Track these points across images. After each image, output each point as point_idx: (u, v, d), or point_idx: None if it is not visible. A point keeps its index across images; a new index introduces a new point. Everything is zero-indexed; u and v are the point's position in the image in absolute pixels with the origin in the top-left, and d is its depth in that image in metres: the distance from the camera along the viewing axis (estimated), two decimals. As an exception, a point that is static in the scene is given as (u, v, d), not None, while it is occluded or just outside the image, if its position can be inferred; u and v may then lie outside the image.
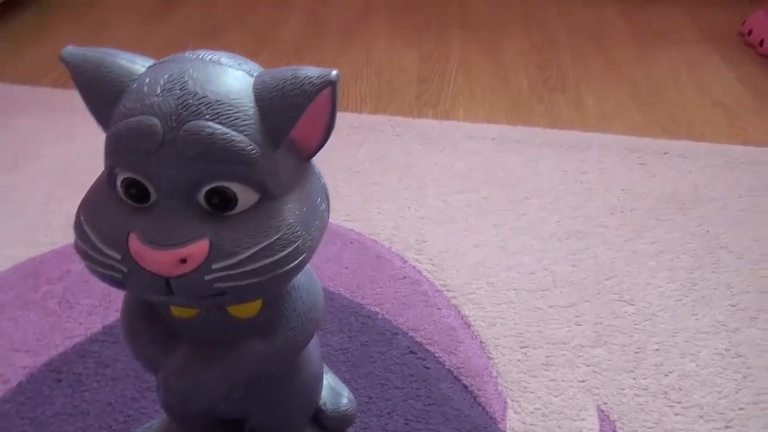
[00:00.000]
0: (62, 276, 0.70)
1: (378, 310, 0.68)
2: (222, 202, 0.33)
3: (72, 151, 0.90)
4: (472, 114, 1.06)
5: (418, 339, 0.65)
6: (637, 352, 0.65)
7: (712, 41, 1.37)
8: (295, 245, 0.34)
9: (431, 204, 0.84)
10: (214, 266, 0.33)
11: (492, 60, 1.25)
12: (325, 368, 0.55)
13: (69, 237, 0.76)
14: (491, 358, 0.63)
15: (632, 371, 0.63)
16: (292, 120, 0.34)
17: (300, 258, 0.35)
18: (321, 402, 0.52)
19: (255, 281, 0.33)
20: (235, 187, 0.33)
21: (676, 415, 0.59)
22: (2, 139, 0.92)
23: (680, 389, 0.61)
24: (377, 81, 1.15)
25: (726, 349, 0.65)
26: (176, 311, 0.40)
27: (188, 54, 0.35)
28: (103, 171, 0.36)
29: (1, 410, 0.56)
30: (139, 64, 0.35)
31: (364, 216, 0.81)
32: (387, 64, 1.21)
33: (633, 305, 0.70)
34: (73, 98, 1.03)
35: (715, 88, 1.18)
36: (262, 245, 0.33)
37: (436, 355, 0.63)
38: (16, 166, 0.87)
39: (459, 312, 0.68)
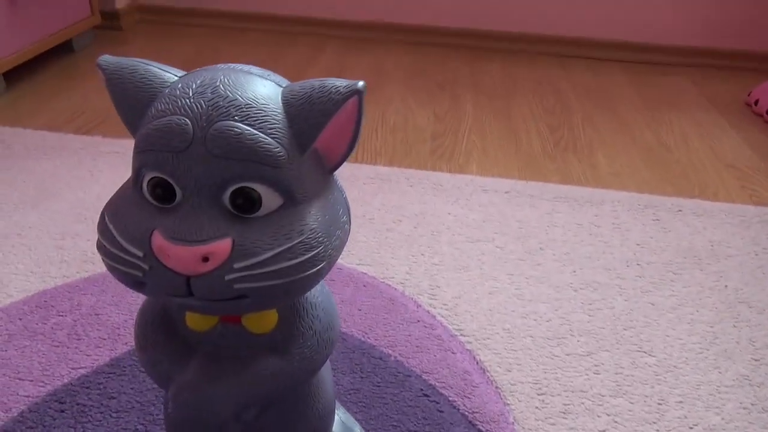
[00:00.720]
0: (73, 309, 0.69)
1: (390, 352, 0.66)
2: (246, 203, 0.33)
3: (91, 191, 0.92)
4: (485, 169, 1.07)
5: (432, 382, 0.63)
6: (659, 404, 0.62)
7: (720, 109, 1.39)
8: (316, 251, 0.34)
9: (445, 251, 0.83)
10: (235, 266, 0.32)
11: (504, 121, 1.28)
12: (337, 404, 0.53)
13: (82, 272, 0.75)
14: (507, 404, 0.61)
15: (655, 423, 0.60)
16: (319, 126, 0.34)
17: (320, 265, 0.35)
18: (332, 438, 0.50)
19: (275, 284, 0.33)
20: (260, 189, 0.33)
21: (703, 468, 0.56)
22: (22, 180, 0.94)
23: (706, 442, 0.58)
24: (392, 137, 1.17)
25: (752, 404, 0.63)
26: (191, 323, 0.40)
27: (220, 65, 0.36)
28: (131, 176, 0.36)
29: (-1, 439, 0.54)
30: (171, 73, 0.36)
31: (378, 261, 0.80)
32: (402, 122, 1.24)
33: (653, 356, 0.68)
34: (95, 143, 1.05)
35: (726, 152, 1.19)
36: (283, 247, 0.33)
37: (450, 399, 0.61)
38: (35, 204, 0.88)
39: (474, 357, 0.66)
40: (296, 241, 0.33)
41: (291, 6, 1.74)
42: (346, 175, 0.98)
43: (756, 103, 1.39)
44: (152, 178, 0.34)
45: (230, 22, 1.76)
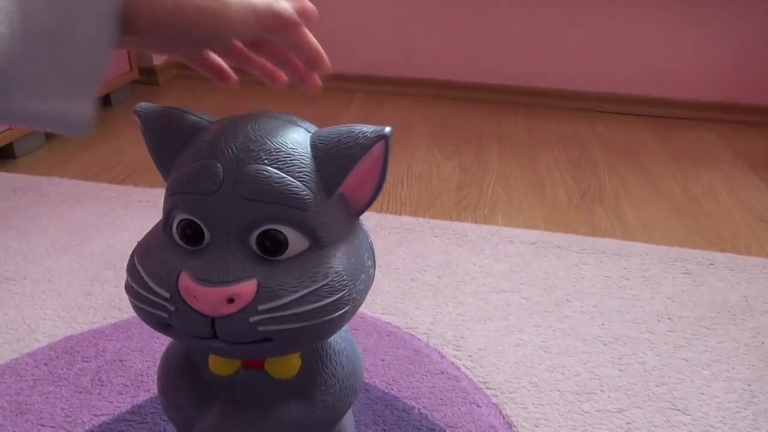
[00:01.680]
0: (98, 354, 0.70)
1: (414, 404, 0.65)
2: (273, 245, 0.34)
3: (122, 239, 0.93)
4: (510, 220, 1.07)
5: (457, 437, 0.61)
6: (696, 465, 0.59)
7: (749, 164, 1.38)
8: (341, 294, 0.34)
9: (470, 302, 0.82)
10: (260, 308, 0.32)
11: (529, 172, 1.28)
12: (359, 457, 0.52)
13: (109, 317, 0.76)
14: (535, 462, 0.59)
15: (692, 485, 0.57)
16: (346, 170, 0.35)
17: (345, 308, 0.34)
18: (353, 491, 0.48)
19: (299, 326, 0.33)
20: (287, 231, 0.34)
21: None
22: (55, 227, 0.96)
23: (748, 508, 0.55)
24: (417, 187, 1.18)
25: (796, 467, 0.59)
26: (214, 368, 0.39)
27: (251, 111, 0.38)
28: (161, 219, 0.37)
29: (18, 486, 0.54)
30: (205, 120, 0.37)
31: (402, 310, 0.80)
32: (427, 173, 1.25)
33: (688, 414, 0.65)
34: (127, 192, 1.08)
35: (757, 206, 1.17)
36: (308, 290, 0.33)
37: (476, 454, 0.59)
38: (67, 250, 0.90)
39: (500, 411, 0.65)
40: (321, 284, 0.33)
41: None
42: (371, 225, 0.99)
43: (786, 156, 1.37)
44: (182, 220, 0.34)
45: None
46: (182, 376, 0.40)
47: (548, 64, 1.69)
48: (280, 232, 0.33)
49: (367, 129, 0.35)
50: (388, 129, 0.35)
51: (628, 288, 0.87)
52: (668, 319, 0.81)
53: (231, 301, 0.32)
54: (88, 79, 0.29)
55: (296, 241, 0.34)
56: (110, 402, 0.63)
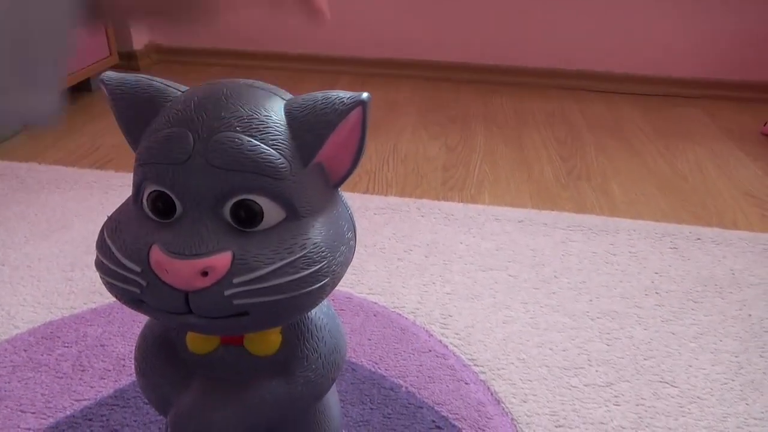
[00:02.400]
0: (78, 339, 0.68)
1: (402, 382, 0.64)
2: (248, 216, 0.32)
3: (101, 223, 0.91)
4: (497, 199, 1.06)
5: (445, 414, 0.60)
6: (684, 436, 0.59)
7: (735, 139, 1.38)
8: (319, 266, 0.33)
9: (457, 280, 0.81)
10: (235, 280, 0.31)
11: (516, 151, 1.27)
12: (345, 435, 0.51)
13: (90, 303, 0.75)
14: (524, 437, 0.58)
15: (680, 456, 0.57)
16: (322, 137, 0.34)
17: (324, 281, 0.33)
18: (339, 470, 0.47)
19: (276, 299, 0.32)
20: (262, 202, 0.32)
21: (734, 505, 0.52)
22: (34, 213, 0.94)
23: (736, 477, 0.55)
24: (403, 168, 1.17)
25: (783, 436, 0.59)
26: (192, 345, 0.38)
27: (224, 79, 0.36)
28: (131, 195, 0.36)
29: (-3, 473, 0.53)
30: (173, 88, 0.36)
31: (388, 290, 0.79)
32: (413, 153, 1.24)
33: (676, 387, 0.65)
34: (107, 177, 1.06)
35: (743, 181, 1.17)
36: (285, 261, 0.32)
37: (464, 431, 0.59)
38: (46, 236, 0.88)
39: (488, 387, 0.64)
40: (298, 256, 0.32)
41: (302, 45, 1.77)
42: (357, 205, 0.98)
43: (772, 132, 1.37)
44: (152, 192, 0.33)
45: (242, 60, 1.79)
46: (159, 355, 0.39)
47: (534, 43, 1.68)
48: (255, 202, 0.32)
49: (344, 95, 0.34)
50: (365, 95, 0.34)
51: (616, 264, 0.87)
52: (656, 293, 0.80)
53: (205, 274, 0.31)
54: (51, 70, 0.27)
55: (272, 212, 0.33)
56: (92, 387, 0.62)
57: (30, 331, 0.69)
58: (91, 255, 0.84)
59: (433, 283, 0.81)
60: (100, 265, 0.34)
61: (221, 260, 0.31)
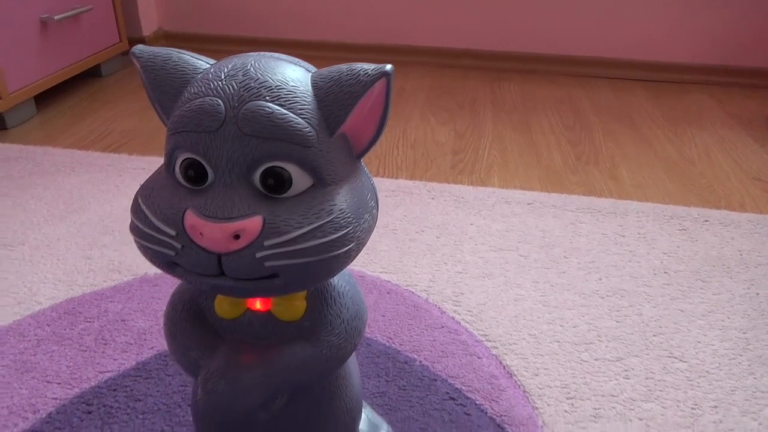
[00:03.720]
0: (100, 315, 0.70)
1: (416, 356, 0.66)
2: (277, 183, 0.34)
3: (118, 205, 0.93)
4: (506, 182, 1.07)
5: (458, 386, 0.62)
6: (693, 408, 0.60)
7: (743, 125, 1.38)
8: (345, 230, 0.34)
9: (468, 260, 0.83)
10: (266, 243, 0.33)
11: (524, 136, 1.28)
12: (363, 404, 0.52)
13: (109, 280, 0.76)
14: (536, 408, 0.60)
15: (690, 427, 0.58)
16: (348, 108, 0.35)
17: (349, 245, 0.35)
18: (359, 435, 0.49)
19: (305, 262, 0.33)
20: (290, 169, 0.34)
21: (742, 473, 0.54)
22: (51, 195, 0.96)
23: (744, 447, 0.56)
24: (413, 152, 1.18)
25: (790, 409, 0.61)
26: (220, 311, 0.40)
27: (251, 53, 0.37)
28: (163, 162, 0.37)
29: (27, 439, 0.54)
30: (203, 61, 0.37)
31: (401, 269, 0.80)
32: (422, 138, 1.25)
33: (685, 362, 0.67)
34: (121, 161, 1.07)
35: (751, 165, 1.18)
36: (313, 225, 0.33)
37: (477, 402, 0.60)
38: (63, 217, 0.90)
39: (500, 362, 0.66)
40: (326, 220, 0.34)
41: (311, 31, 1.77)
42: (368, 188, 0.99)
43: (779, 117, 1.37)
44: (185, 160, 0.34)
45: (250, 47, 1.79)
46: (188, 320, 0.41)
47: (541, 30, 1.68)
48: (284, 169, 0.33)
49: (368, 67, 0.35)
50: (389, 66, 0.35)
51: (625, 244, 0.88)
52: (664, 273, 0.82)
53: (237, 237, 0.32)
54: None
55: (300, 179, 0.34)
56: (114, 359, 0.64)
57: (52, 307, 0.71)
58: (108, 235, 0.86)
59: (445, 262, 0.82)
60: (135, 230, 0.35)
61: (253, 223, 0.32)
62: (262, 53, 0.37)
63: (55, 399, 0.59)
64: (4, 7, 1.16)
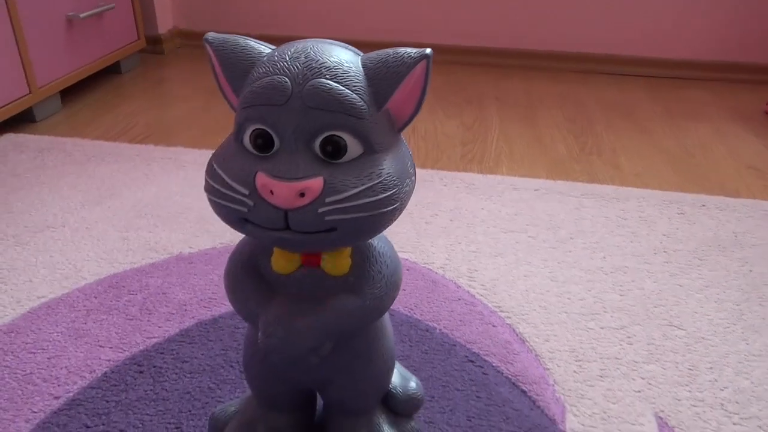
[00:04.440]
0: (142, 288, 0.76)
1: (436, 325, 0.71)
2: (334, 150, 0.39)
3: (149, 192, 0.99)
4: (514, 171, 1.13)
5: (476, 350, 0.68)
6: (690, 369, 0.66)
7: (739, 118, 1.44)
8: (392, 191, 0.40)
9: (481, 240, 0.88)
10: (327, 200, 0.38)
11: (530, 129, 1.34)
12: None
13: (147, 258, 0.82)
14: (547, 369, 0.66)
15: (687, 385, 0.64)
16: (394, 85, 0.40)
17: (395, 204, 0.40)
18: (391, 386, 0.54)
19: (359, 216, 0.39)
20: (346, 137, 0.39)
21: (734, 424, 0.60)
22: (84, 183, 1.01)
23: (737, 402, 0.62)
24: (423, 144, 1.24)
25: (779, 370, 0.66)
26: (276, 266, 0.45)
27: (306, 39, 0.43)
28: (230, 135, 0.43)
29: (88, 395, 0.60)
30: (264, 46, 0.43)
31: (418, 248, 0.86)
32: (432, 131, 1.31)
33: (683, 330, 0.72)
34: (148, 151, 1.13)
35: (746, 156, 1.23)
36: (366, 186, 0.39)
37: (494, 364, 0.66)
38: (99, 203, 0.95)
39: (513, 330, 0.71)
40: (376, 182, 0.39)
41: (321, 29, 1.83)
42: (384, 176, 1.04)
43: (774, 111, 1.43)
44: (254, 130, 0.40)
45: (269, 42, 1.85)
46: (248, 275, 0.46)
47: (544, 27, 1.74)
48: (341, 137, 0.39)
49: (411, 50, 0.40)
50: (429, 50, 0.40)
51: (626, 227, 0.93)
52: (664, 252, 0.87)
53: (302, 195, 0.38)
54: None
55: (353, 147, 0.40)
56: (159, 327, 0.69)
57: (97, 282, 0.77)
58: (143, 218, 0.91)
59: (459, 243, 0.88)
60: (211, 190, 0.40)
61: (316, 183, 0.38)
62: (317, 39, 0.42)
63: (109, 361, 0.64)
64: (33, 5, 1.22)
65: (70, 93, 1.43)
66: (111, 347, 0.66)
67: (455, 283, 0.79)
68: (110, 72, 1.60)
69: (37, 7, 1.23)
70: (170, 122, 1.31)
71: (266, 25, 1.85)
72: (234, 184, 0.39)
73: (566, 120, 1.40)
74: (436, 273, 0.81)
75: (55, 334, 0.68)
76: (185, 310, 0.72)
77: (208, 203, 0.95)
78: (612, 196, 1.02)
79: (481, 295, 0.77)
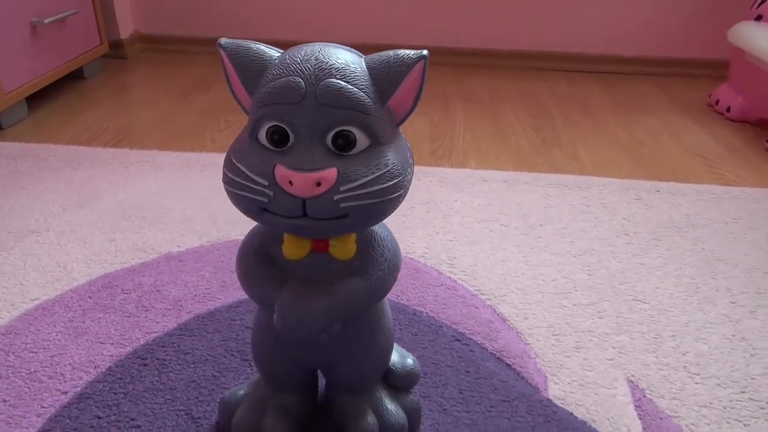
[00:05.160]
0: (135, 287, 0.78)
1: (422, 309, 0.76)
2: (345, 143, 0.43)
3: (129, 194, 1.00)
4: (482, 164, 1.19)
5: (461, 330, 0.72)
6: (655, 338, 0.73)
7: (685, 110, 1.54)
8: (398, 179, 0.44)
9: (457, 230, 0.94)
10: (341, 188, 0.42)
11: (493, 124, 1.40)
12: (389, 341, 0.62)
13: (137, 258, 0.84)
14: (528, 344, 0.71)
15: (654, 352, 0.70)
16: (396, 84, 0.45)
17: (400, 191, 0.45)
18: (390, 363, 0.59)
19: (370, 203, 0.43)
20: (355, 131, 0.43)
21: (697, 384, 0.66)
22: (64, 187, 1.02)
23: (698, 364, 0.69)
24: (394, 141, 1.28)
25: (732, 335, 0.74)
26: (287, 253, 0.49)
27: (312, 43, 0.47)
28: (242, 132, 0.46)
29: (95, 388, 0.62)
30: (274, 50, 0.46)
31: (399, 239, 0.90)
32: (401, 128, 1.35)
33: (647, 303, 0.79)
34: (124, 154, 1.14)
35: (693, 144, 1.32)
36: (375, 174, 0.43)
37: (479, 342, 0.71)
38: (81, 206, 0.96)
39: (494, 310, 0.76)
40: (384, 171, 0.43)
41: (289, 32, 1.86)
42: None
43: (717, 103, 1.54)
44: (270, 127, 0.43)
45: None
46: (260, 262, 0.49)
47: (502, 27, 1.81)
48: (351, 132, 0.43)
49: (410, 52, 0.45)
50: (425, 51, 0.45)
51: (590, 213, 1.00)
52: (626, 234, 0.94)
53: (318, 184, 0.42)
54: None
55: (361, 140, 0.44)
56: (157, 322, 0.72)
57: (89, 282, 0.78)
58: (127, 220, 0.93)
59: (437, 233, 0.93)
60: (230, 182, 0.44)
61: (331, 173, 0.42)
62: (322, 43, 0.46)
63: (111, 356, 0.66)
64: (-2, 12, 1.21)
65: (36, 99, 1.42)
66: (112, 343, 0.68)
67: (437, 270, 0.84)
68: (74, 78, 1.58)
69: (1, 14, 1.22)
70: (140, 126, 1.32)
71: (233, 28, 1.86)
72: (254, 176, 0.43)
73: (527, 115, 1.47)
74: (418, 261, 0.86)
75: (54, 333, 0.69)
76: (181, 305, 0.74)
77: (190, 204, 0.97)
78: (575, 185, 1.09)
79: (462, 280, 0.82)
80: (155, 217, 0.94)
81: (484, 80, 1.72)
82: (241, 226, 0.92)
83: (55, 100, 1.45)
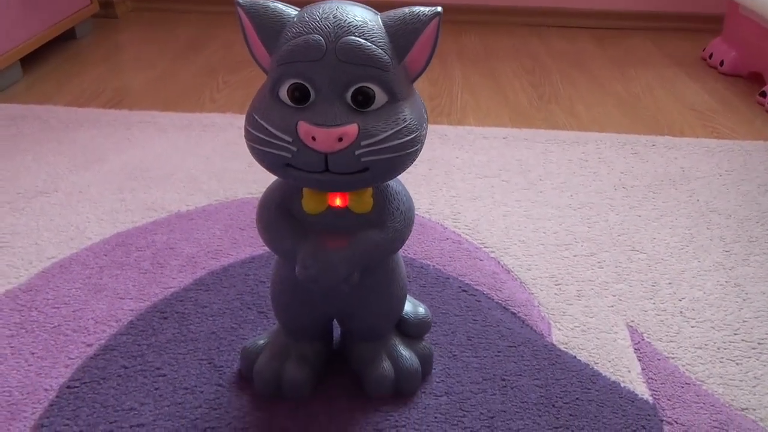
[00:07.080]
0: (149, 245, 0.79)
1: (429, 262, 0.78)
2: (364, 99, 0.45)
3: (134, 155, 1.01)
4: (481, 121, 1.20)
5: (467, 281, 0.75)
6: (653, 285, 0.76)
7: (679, 65, 1.55)
8: (416, 134, 0.46)
9: (459, 186, 0.96)
10: (362, 143, 0.44)
11: (491, 81, 1.41)
12: (401, 291, 0.65)
13: (147, 217, 0.85)
14: (532, 293, 0.74)
15: (651, 298, 0.74)
16: (412, 40, 0.46)
17: (417, 146, 0.47)
18: (403, 312, 0.61)
19: (388, 157, 0.45)
20: (374, 88, 0.45)
21: (692, 327, 0.70)
22: (68, 148, 1.02)
23: (693, 309, 0.72)
24: (393, 99, 1.29)
25: (726, 281, 0.77)
26: (307, 207, 0.51)
27: (328, 1, 0.48)
28: (261, 89, 0.47)
29: (119, 341, 0.64)
30: (291, 8, 0.47)
31: (403, 196, 0.92)
32: (399, 86, 1.36)
33: (644, 253, 0.82)
34: (125, 115, 1.14)
35: (687, 99, 1.34)
36: (395, 129, 0.45)
37: (485, 292, 0.74)
38: (87, 167, 0.97)
39: (498, 262, 0.79)
40: (402, 126, 0.45)
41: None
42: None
43: (710, 57, 1.55)
44: (291, 84, 0.45)
45: (216, 7, 1.84)
46: (281, 216, 0.51)
47: (497, -19, 1.79)
48: (370, 88, 0.44)
49: (425, 9, 0.46)
50: (440, 8, 0.46)
51: (588, 167, 1.02)
52: (623, 188, 0.97)
53: (340, 139, 0.43)
54: None
55: (380, 96, 0.45)
56: (173, 278, 0.74)
57: (103, 241, 0.80)
58: (134, 180, 0.94)
59: (440, 189, 0.95)
60: (255, 139, 0.45)
61: (352, 129, 0.44)
62: (337, 1, 0.47)
63: (132, 310, 0.69)
64: (-12, -30, 1.19)
65: (29, 61, 1.40)
66: (131, 298, 0.70)
67: (441, 225, 0.86)
68: (66, 39, 1.56)
69: (-8, -29, 1.20)
70: (137, 87, 1.32)
71: (221, -14, 1.83)
72: (278, 133, 0.44)
73: (524, 71, 1.47)
74: (423, 217, 0.88)
75: (74, 290, 0.72)
76: (195, 262, 0.77)
77: (194, 164, 0.99)
78: (573, 141, 1.11)
79: (466, 234, 0.84)
80: (161, 178, 0.95)
81: (480, 38, 1.72)
82: (247, 185, 0.93)
83: (49, 62, 1.43)
